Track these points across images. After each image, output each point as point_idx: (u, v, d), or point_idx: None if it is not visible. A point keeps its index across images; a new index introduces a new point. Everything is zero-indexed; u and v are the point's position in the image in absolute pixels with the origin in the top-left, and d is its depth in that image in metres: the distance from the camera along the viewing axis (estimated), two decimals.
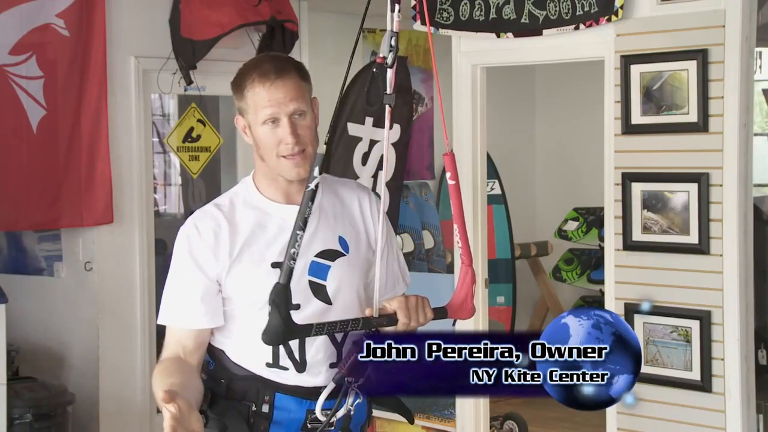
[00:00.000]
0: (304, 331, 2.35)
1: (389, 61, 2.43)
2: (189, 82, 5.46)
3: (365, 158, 5.41)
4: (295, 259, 2.32)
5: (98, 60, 5.22)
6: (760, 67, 7.23)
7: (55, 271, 5.44)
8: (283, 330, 2.29)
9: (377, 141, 5.42)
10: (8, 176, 4.97)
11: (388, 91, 2.44)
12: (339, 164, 5.11)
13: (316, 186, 2.32)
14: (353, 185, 2.72)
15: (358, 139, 5.38)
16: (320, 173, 2.32)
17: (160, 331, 6.11)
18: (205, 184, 6.53)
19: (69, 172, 5.15)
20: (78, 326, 5.34)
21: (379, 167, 5.46)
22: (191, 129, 5.80)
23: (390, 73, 2.44)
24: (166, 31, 5.46)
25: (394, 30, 2.44)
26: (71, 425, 5.04)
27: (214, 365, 2.54)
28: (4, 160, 4.98)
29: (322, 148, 2.44)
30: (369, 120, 5.39)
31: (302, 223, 2.33)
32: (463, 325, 5.04)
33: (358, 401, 2.46)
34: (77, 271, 5.31)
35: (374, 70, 2.47)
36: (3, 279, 5.10)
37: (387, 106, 2.44)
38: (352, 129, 5.34)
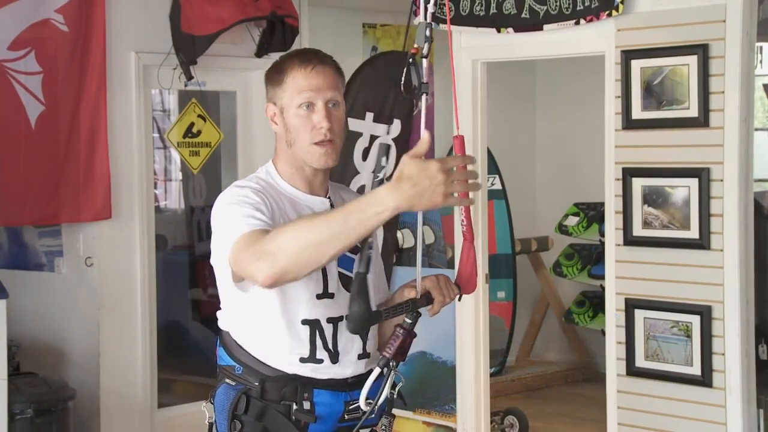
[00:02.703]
0: (378, 317, 2.39)
1: (425, 51, 2.46)
2: (189, 77, 5.45)
3: (365, 153, 5.41)
4: (372, 248, 2.32)
5: (98, 56, 5.22)
6: (761, 62, 7.23)
7: (55, 266, 5.44)
8: (367, 318, 2.30)
9: (377, 136, 5.42)
10: (7, 172, 4.97)
11: (424, 80, 2.47)
12: (339, 160, 5.10)
13: (385, 175, 2.34)
14: (347, 190, 2.81)
15: (359, 135, 5.38)
16: (387, 163, 2.34)
17: (161, 326, 6.11)
18: (206, 180, 6.52)
19: (67, 168, 5.14)
20: (78, 322, 5.34)
21: None
22: (192, 124, 5.80)
23: (425, 63, 2.47)
24: (167, 27, 5.45)
25: (429, 21, 2.48)
26: (72, 420, 5.04)
27: (242, 369, 2.52)
28: (3, 156, 4.97)
29: (386, 139, 2.49)
30: (369, 115, 5.39)
31: None
32: (463, 321, 5.05)
33: (401, 384, 2.48)
34: (78, 266, 5.31)
35: (410, 60, 2.49)
36: (3, 274, 5.10)
37: (423, 95, 2.47)
38: (353, 124, 5.34)
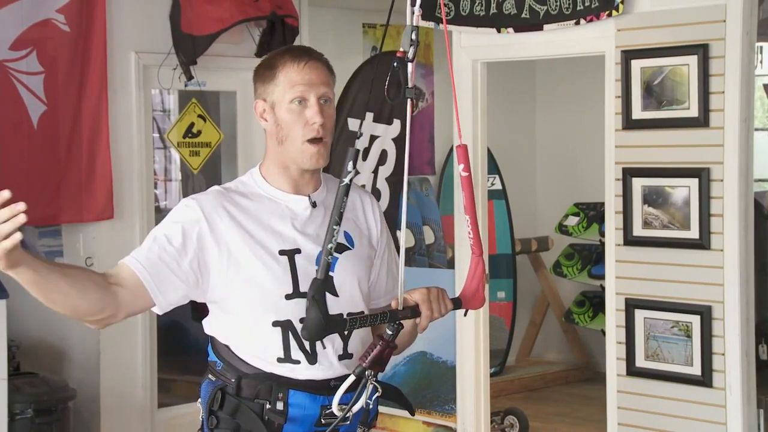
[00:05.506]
0: (341, 326, 2.36)
1: (410, 55, 2.45)
2: (189, 77, 5.45)
3: (365, 153, 5.41)
4: (332, 254, 2.33)
5: (99, 55, 5.22)
6: (761, 62, 7.23)
7: None
8: (323, 325, 2.29)
9: (377, 136, 5.43)
10: (9, 172, 4.97)
11: (409, 84, 2.46)
12: (339, 160, 5.10)
13: (351, 180, 2.33)
14: (354, 187, 2.76)
15: (359, 135, 5.38)
16: (354, 168, 2.33)
17: (161, 326, 6.10)
18: (206, 180, 6.52)
19: (69, 168, 5.14)
20: (78, 322, 5.33)
21: (380, 162, 5.46)
22: (192, 124, 5.80)
23: (411, 67, 2.46)
24: (167, 27, 5.46)
25: (415, 24, 2.46)
26: (72, 420, 5.04)
27: (222, 365, 2.52)
28: (5, 156, 4.97)
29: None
30: (369, 115, 5.39)
31: (338, 218, 2.33)
32: (463, 321, 5.05)
33: (376, 395, 2.44)
34: None
35: (395, 64, 2.48)
36: (3, 274, 5.09)
37: (408, 100, 2.47)
38: (353, 124, 5.34)
